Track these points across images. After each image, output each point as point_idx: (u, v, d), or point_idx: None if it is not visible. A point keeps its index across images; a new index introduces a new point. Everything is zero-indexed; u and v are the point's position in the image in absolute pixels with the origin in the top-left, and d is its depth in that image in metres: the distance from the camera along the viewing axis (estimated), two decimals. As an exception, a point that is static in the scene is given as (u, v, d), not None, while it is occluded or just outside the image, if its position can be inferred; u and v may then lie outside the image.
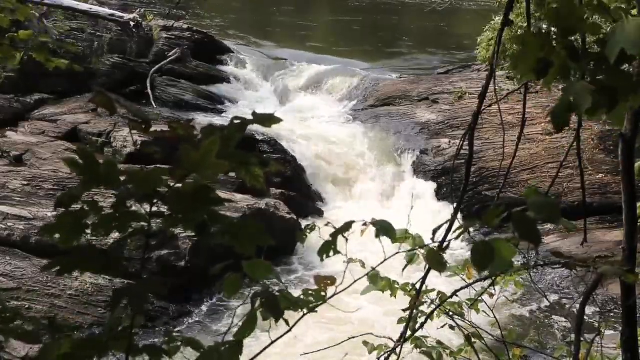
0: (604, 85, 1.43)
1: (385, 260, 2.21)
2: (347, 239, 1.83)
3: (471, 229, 1.63)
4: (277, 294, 1.58)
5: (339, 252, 1.78)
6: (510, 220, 1.46)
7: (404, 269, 2.42)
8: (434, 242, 1.90)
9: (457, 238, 1.60)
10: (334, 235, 1.77)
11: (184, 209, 1.36)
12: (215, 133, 1.37)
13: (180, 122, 1.41)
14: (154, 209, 1.38)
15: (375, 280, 3.07)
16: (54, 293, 7.56)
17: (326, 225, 2.02)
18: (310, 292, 1.88)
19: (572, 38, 1.50)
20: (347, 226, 1.77)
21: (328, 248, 1.78)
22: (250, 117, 1.44)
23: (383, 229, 1.81)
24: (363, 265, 2.96)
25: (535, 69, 1.50)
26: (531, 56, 1.48)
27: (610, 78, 1.43)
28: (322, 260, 1.94)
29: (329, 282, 1.92)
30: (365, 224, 1.91)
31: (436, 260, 1.91)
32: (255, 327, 1.59)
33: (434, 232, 1.66)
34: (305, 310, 1.73)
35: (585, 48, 1.53)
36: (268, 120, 1.45)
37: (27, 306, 7.41)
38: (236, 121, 1.42)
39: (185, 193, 1.35)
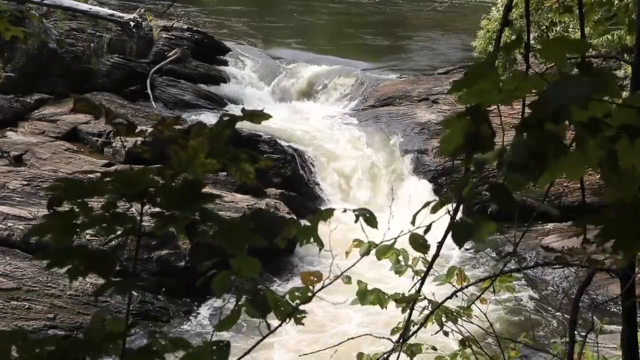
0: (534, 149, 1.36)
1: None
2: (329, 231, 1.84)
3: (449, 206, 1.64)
4: (262, 292, 1.54)
5: (322, 245, 1.77)
6: (489, 193, 1.48)
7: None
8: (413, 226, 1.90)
9: (434, 212, 1.59)
10: (315, 221, 1.77)
11: (175, 206, 1.35)
12: (204, 130, 1.36)
13: (166, 119, 1.40)
14: (147, 208, 1.37)
15: (364, 295, 3.07)
16: (54, 293, 7.55)
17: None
18: (296, 292, 1.85)
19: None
20: (329, 213, 1.78)
21: (307, 234, 1.77)
22: (241, 114, 1.42)
23: (365, 217, 1.81)
24: (349, 280, 2.86)
25: (463, 146, 1.49)
26: (457, 136, 1.47)
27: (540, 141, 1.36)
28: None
29: (315, 278, 1.92)
30: (344, 210, 1.91)
31: (419, 243, 1.95)
32: (237, 321, 1.57)
33: (414, 216, 1.66)
34: (290, 312, 1.70)
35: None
36: (257, 116, 1.42)
37: (27, 306, 7.41)
38: (225, 118, 1.39)
39: (176, 190, 1.33)
